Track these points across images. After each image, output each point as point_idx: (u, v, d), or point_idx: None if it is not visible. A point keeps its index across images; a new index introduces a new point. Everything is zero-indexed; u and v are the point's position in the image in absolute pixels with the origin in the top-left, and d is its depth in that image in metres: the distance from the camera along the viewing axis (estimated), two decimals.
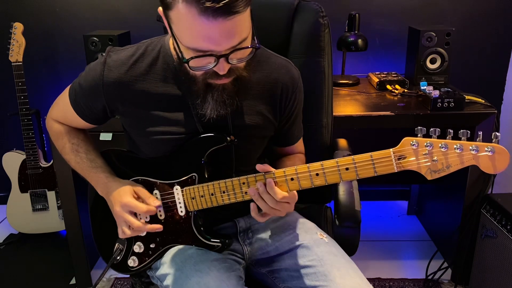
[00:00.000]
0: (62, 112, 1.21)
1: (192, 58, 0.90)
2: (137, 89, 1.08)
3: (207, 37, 0.87)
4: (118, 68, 1.08)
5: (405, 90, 1.97)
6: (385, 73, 2.13)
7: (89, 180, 1.19)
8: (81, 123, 1.19)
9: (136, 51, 1.10)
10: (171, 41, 1.09)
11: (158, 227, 1.11)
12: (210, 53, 0.89)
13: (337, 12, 2.20)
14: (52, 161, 2.25)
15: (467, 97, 1.79)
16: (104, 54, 1.11)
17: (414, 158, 0.90)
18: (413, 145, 0.89)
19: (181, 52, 0.93)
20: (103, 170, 1.17)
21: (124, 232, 1.12)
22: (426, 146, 0.88)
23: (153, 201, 1.10)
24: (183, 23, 0.87)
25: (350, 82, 2.13)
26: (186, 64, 0.94)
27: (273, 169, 1.02)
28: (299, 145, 1.30)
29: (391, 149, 0.92)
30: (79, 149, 1.20)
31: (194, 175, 1.10)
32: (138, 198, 1.11)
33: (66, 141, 1.22)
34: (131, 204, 1.08)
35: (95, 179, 1.17)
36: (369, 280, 1.10)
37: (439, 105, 1.74)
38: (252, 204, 1.03)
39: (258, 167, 1.01)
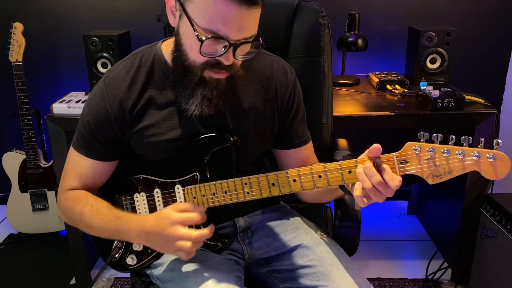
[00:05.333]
0: (75, 172, 1.13)
1: (208, 38, 0.90)
2: (141, 101, 1.08)
3: (227, 21, 0.88)
4: (119, 85, 1.07)
5: (405, 90, 1.97)
6: (385, 73, 2.13)
7: (119, 234, 1.07)
8: (100, 169, 1.12)
9: (132, 64, 1.09)
10: (163, 47, 1.10)
11: (211, 228, 1.02)
12: (226, 37, 0.90)
13: (337, 12, 2.20)
14: (52, 161, 2.25)
15: (467, 97, 1.79)
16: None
17: (417, 163, 0.91)
18: (416, 150, 0.90)
19: (196, 31, 0.91)
20: (129, 212, 1.10)
21: (187, 251, 1.00)
22: (428, 151, 0.89)
23: (196, 207, 1.03)
24: (205, 4, 0.88)
25: (350, 82, 2.13)
26: (189, 50, 0.95)
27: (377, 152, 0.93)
28: (312, 154, 1.25)
29: (394, 153, 0.92)
30: (100, 205, 1.09)
31: (196, 175, 1.10)
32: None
33: (84, 203, 1.10)
34: (180, 218, 0.99)
35: (125, 226, 1.05)
36: (369, 280, 1.10)
37: (439, 105, 1.74)
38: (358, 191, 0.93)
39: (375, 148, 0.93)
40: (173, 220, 0.98)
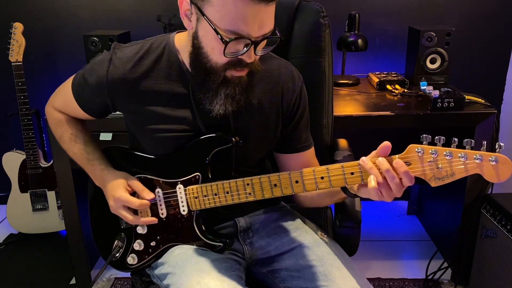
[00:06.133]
0: (63, 101, 1.22)
1: (232, 39, 0.91)
2: (141, 86, 1.09)
3: (248, 20, 0.90)
4: (123, 65, 1.08)
5: (405, 90, 1.97)
6: (385, 73, 2.14)
7: (86, 171, 1.21)
8: (81, 114, 1.20)
9: (141, 48, 1.10)
10: (176, 38, 1.10)
11: (151, 219, 1.13)
12: (248, 37, 0.91)
13: (337, 12, 2.20)
14: (52, 161, 2.25)
15: (467, 97, 1.79)
16: (109, 50, 1.11)
17: (419, 165, 0.90)
18: (418, 152, 0.90)
19: (219, 34, 0.92)
20: (100, 163, 1.18)
21: (127, 221, 1.15)
22: (431, 153, 0.89)
23: (147, 194, 1.11)
24: (225, 6, 0.89)
25: (350, 82, 2.13)
26: (211, 52, 0.96)
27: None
28: (313, 159, 1.24)
29: (396, 156, 0.92)
30: (77, 140, 1.21)
31: (198, 175, 1.10)
32: (133, 192, 1.13)
33: (64, 130, 1.23)
34: (123, 199, 1.10)
35: (92, 171, 1.19)
36: (369, 280, 1.10)
37: (439, 105, 1.74)
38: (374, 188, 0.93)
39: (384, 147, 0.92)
40: (116, 197, 1.11)
